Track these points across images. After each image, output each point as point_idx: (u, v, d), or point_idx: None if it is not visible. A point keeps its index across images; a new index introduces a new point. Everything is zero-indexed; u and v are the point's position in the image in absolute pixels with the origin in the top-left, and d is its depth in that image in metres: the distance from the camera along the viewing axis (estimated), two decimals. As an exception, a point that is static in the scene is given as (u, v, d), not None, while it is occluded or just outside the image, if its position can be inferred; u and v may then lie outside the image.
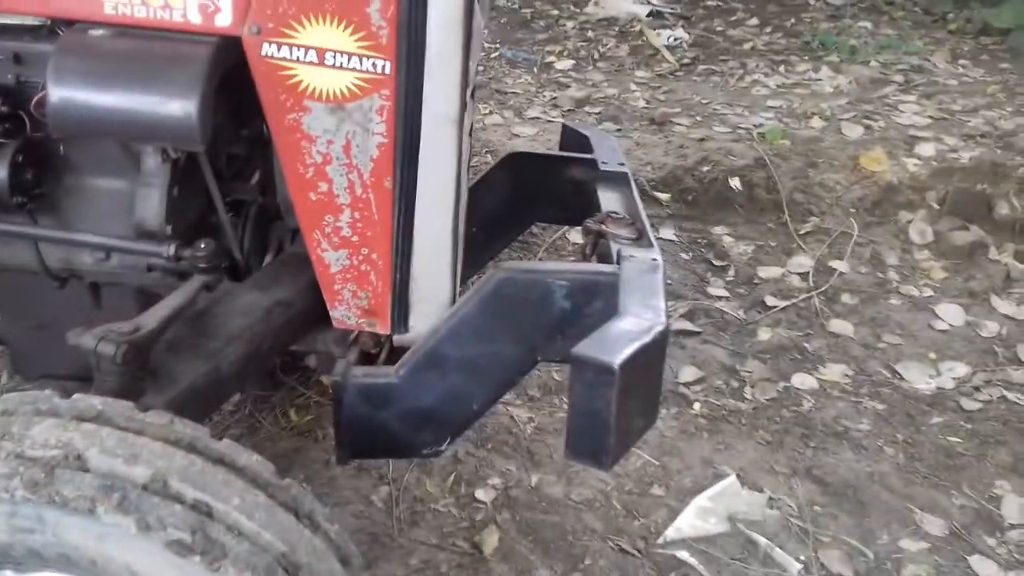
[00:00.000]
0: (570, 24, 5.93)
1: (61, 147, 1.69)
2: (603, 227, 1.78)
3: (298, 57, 1.45)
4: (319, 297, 1.65)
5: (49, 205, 1.71)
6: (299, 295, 1.69)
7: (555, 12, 6.16)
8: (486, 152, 3.74)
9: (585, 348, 1.29)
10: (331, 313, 1.64)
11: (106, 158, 1.68)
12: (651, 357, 1.33)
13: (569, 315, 1.53)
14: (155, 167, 1.64)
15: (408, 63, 1.44)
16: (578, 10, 6.21)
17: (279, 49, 1.44)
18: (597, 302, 1.52)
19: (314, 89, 1.47)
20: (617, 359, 1.26)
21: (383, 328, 1.64)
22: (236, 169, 1.85)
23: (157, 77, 1.44)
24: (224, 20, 1.44)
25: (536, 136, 4.05)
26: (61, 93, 1.43)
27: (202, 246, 1.57)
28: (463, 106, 1.51)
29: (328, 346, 1.77)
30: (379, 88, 1.46)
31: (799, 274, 3.29)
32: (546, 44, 5.57)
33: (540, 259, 3.14)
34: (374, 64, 1.44)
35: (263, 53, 1.45)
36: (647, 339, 1.30)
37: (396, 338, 1.65)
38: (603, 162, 2.14)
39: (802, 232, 3.52)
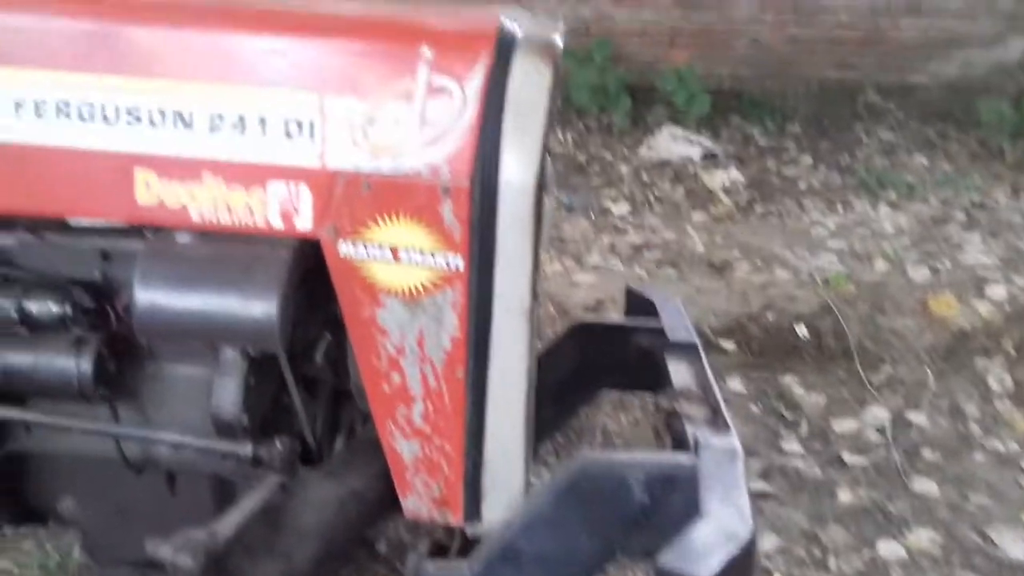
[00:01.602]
0: (624, 168, 6.06)
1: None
2: (676, 406, 1.75)
3: (374, 255, 1.49)
4: (391, 485, 1.63)
5: (129, 394, 1.75)
6: (372, 484, 1.68)
7: (609, 156, 6.31)
8: (548, 303, 3.76)
9: (671, 559, 1.25)
10: (403, 503, 1.62)
11: (185, 349, 1.72)
12: (740, 566, 1.28)
13: (648, 509, 1.49)
14: (232, 358, 1.67)
15: (480, 259, 1.47)
16: (632, 153, 6.35)
17: (355, 248, 1.49)
18: (676, 495, 1.47)
19: (389, 285, 1.50)
20: (705, 573, 1.21)
21: (455, 519, 1.61)
22: (310, 351, 1.88)
23: (239, 281, 1.49)
24: (304, 223, 1.50)
25: (596, 284, 4.07)
26: (147, 298, 1.49)
27: (279, 447, 1.58)
28: (533, 297, 1.52)
29: (400, 533, 1.74)
30: (452, 283, 1.48)
31: (875, 428, 3.18)
32: (601, 188, 5.68)
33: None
34: (447, 261, 1.47)
35: (340, 252, 1.49)
36: (735, 549, 1.26)
37: (469, 529, 1.62)
38: (671, 331, 2.13)
39: (875, 382, 3.42)
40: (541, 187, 1.47)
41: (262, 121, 1.46)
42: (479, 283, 1.48)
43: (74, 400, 1.70)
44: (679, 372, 1.95)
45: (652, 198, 5.46)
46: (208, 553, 1.32)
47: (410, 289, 1.50)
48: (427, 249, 1.47)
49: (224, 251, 1.51)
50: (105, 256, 1.71)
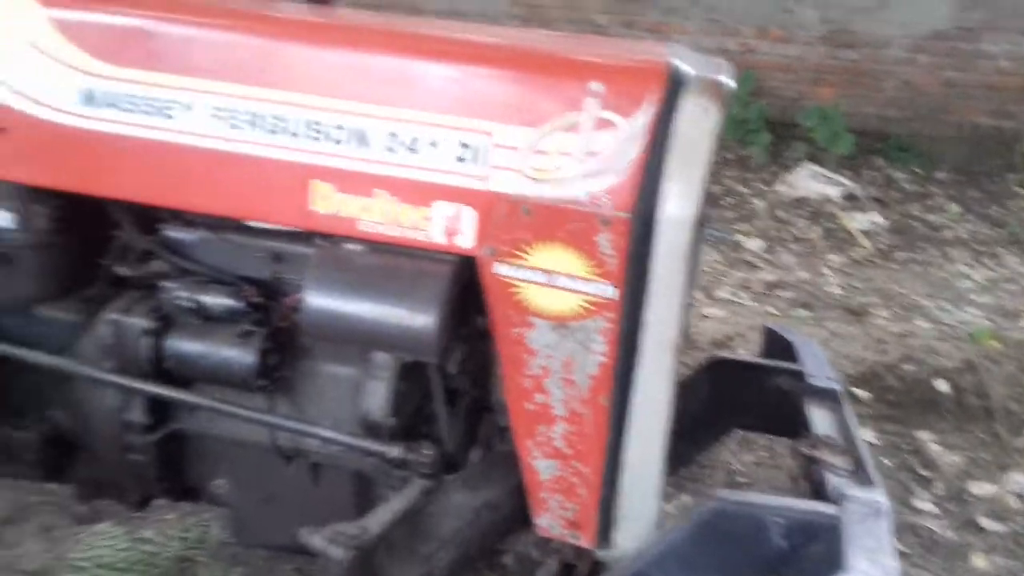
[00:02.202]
0: (760, 203, 5.97)
1: (302, 336, 1.85)
2: (816, 454, 1.72)
3: (528, 277, 1.54)
4: (525, 501, 1.67)
5: (285, 387, 1.86)
6: (506, 497, 1.73)
7: (745, 190, 6.22)
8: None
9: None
10: (535, 520, 1.66)
11: (339, 350, 1.82)
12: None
13: (785, 555, 1.48)
14: (383, 363, 1.76)
15: (632, 290, 1.50)
16: (768, 188, 6.24)
17: (511, 269, 1.54)
18: (816, 545, 1.46)
19: (540, 307, 1.55)
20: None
21: (587, 542, 1.63)
22: (456, 362, 1.95)
23: (403, 292, 1.56)
24: (465, 241, 1.56)
25: (726, 319, 4.03)
26: (317, 302, 1.59)
27: (426, 452, 1.64)
28: (682, 332, 1.54)
29: (528, 548, 1.78)
30: (603, 311, 1.52)
31: (1016, 494, 3.01)
32: (735, 223, 5.61)
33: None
34: (600, 289, 1.51)
35: (495, 271, 1.55)
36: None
37: (599, 553, 1.64)
38: (811, 375, 2.09)
39: (1018, 446, 3.24)
40: (699, 224, 1.49)
41: (434, 144, 1.54)
42: (630, 313, 1.51)
43: (236, 388, 1.82)
44: (820, 418, 1.93)
45: (787, 236, 5.35)
46: (358, 547, 1.39)
47: (561, 313, 1.54)
48: (581, 275, 1.51)
49: (390, 262, 1.60)
50: (276, 257, 1.83)
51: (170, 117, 1.63)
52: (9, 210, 1.80)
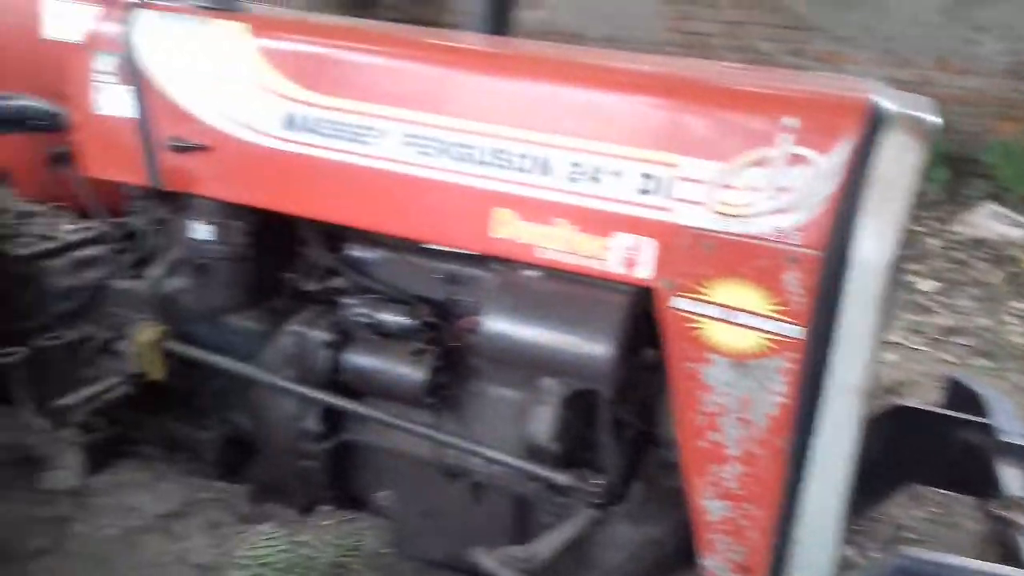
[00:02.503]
0: (935, 242, 5.64)
1: (471, 357, 1.88)
2: (1009, 515, 1.60)
3: (707, 312, 1.51)
4: (690, 540, 1.63)
5: (452, 406, 1.90)
6: (670, 535, 1.69)
7: (919, 228, 5.90)
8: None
9: None
10: (702, 561, 1.62)
11: (508, 373, 1.83)
12: None
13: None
14: (551, 388, 1.76)
15: (819, 331, 1.44)
16: (943, 227, 5.90)
17: (690, 303, 1.51)
18: (1011, 617, 1.34)
19: (718, 343, 1.51)
20: None
21: (755, 589, 1.57)
22: (624, 393, 1.93)
23: (580, 320, 1.57)
24: (643, 272, 1.55)
25: (898, 364, 3.82)
26: (495, 325, 1.61)
27: (595, 482, 1.63)
28: (871, 377, 1.46)
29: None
30: (785, 351, 1.47)
31: None
32: (907, 262, 5.31)
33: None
34: (784, 328, 1.46)
35: (673, 304, 1.53)
36: None
37: (767, 602, 1.58)
38: (1002, 430, 1.95)
39: None
40: (895, 267, 1.42)
41: (617, 174, 1.54)
42: (814, 354, 1.45)
43: (406, 404, 1.88)
44: (1012, 478, 1.79)
45: (965, 279, 5.03)
46: (527, 571, 1.39)
47: (740, 350, 1.50)
48: (764, 313, 1.46)
49: (567, 290, 1.61)
50: (451, 279, 1.87)
51: (364, 143, 1.70)
52: (210, 224, 1.93)
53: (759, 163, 1.46)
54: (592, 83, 1.61)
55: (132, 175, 1.93)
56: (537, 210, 1.60)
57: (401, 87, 1.69)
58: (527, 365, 1.66)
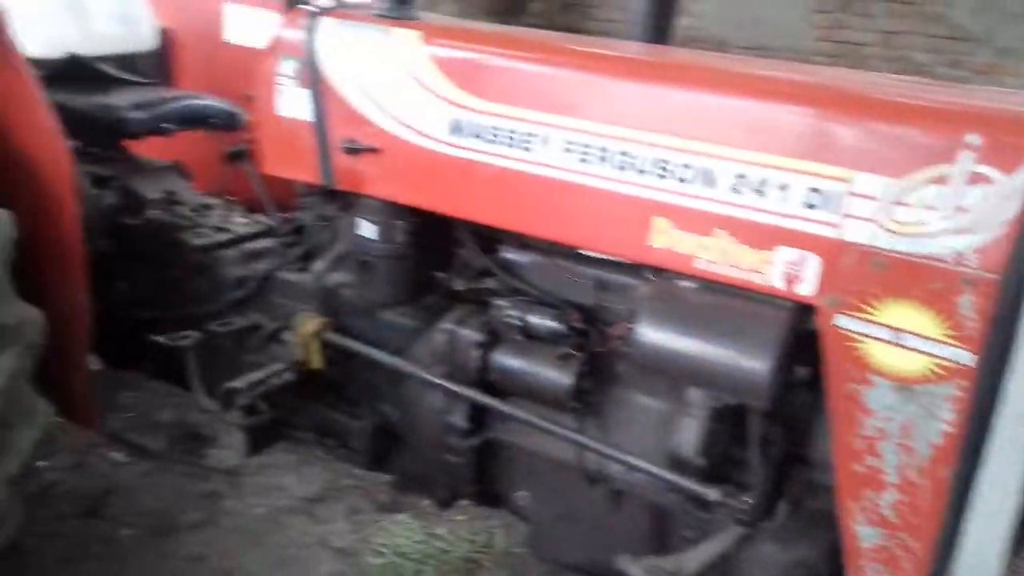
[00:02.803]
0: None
1: (617, 364, 1.90)
2: None
3: (872, 333, 1.47)
4: (839, 564, 1.59)
5: (595, 411, 1.92)
6: (818, 558, 1.65)
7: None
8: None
9: None
10: (851, 588, 1.58)
11: (654, 382, 1.84)
12: None
13: None
14: (699, 401, 1.75)
15: (993, 358, 1.38)
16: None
17: (854, 322, 1.48)
18: None
19: (882, 365, 1.47)
20: None
21: (909, 621, 1.52)
22: (776, 410, 1.91)
23: (738, 334, 1.56)
24: (806, 289, 1.52)
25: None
26: (650, 334, 1.62)
27: (745, 499, 1.62)
28: (1049, 410, 1.39)
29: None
30: (954, 377, 1.41)
31: None
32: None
33: None
34: (955, 353, 1.41)
35: (836, 323, 1.50)
36: None
37: (921, 636, 1.52)
38: None
39: None
40: (1082, 294, 1.34)
41: (784, 187, 1.52)
42: (986, 382, 1.39)
43: (550, 407, 1.91)
44: None
45: None
46: (675, 584, 1.40)
47: (906, 374, 1.45)
48: (934, 337, 1.42)
49: (725, 303, 1.60)
50: (602, 286, 1.89)
51: (526, 149, 1.75)
52: (375, 224, 2.03)
53: (937, 181, 1.41)
54: (760, 94, 1.60)
55: (306, 174, 2.04)
56: (697, 221, 1.60)
57: (564, 95, 1.73)
58: (680, 375, 1.67)
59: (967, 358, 1.40)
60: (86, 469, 3.07)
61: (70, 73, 2.63)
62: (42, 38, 2.62)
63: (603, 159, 1.68)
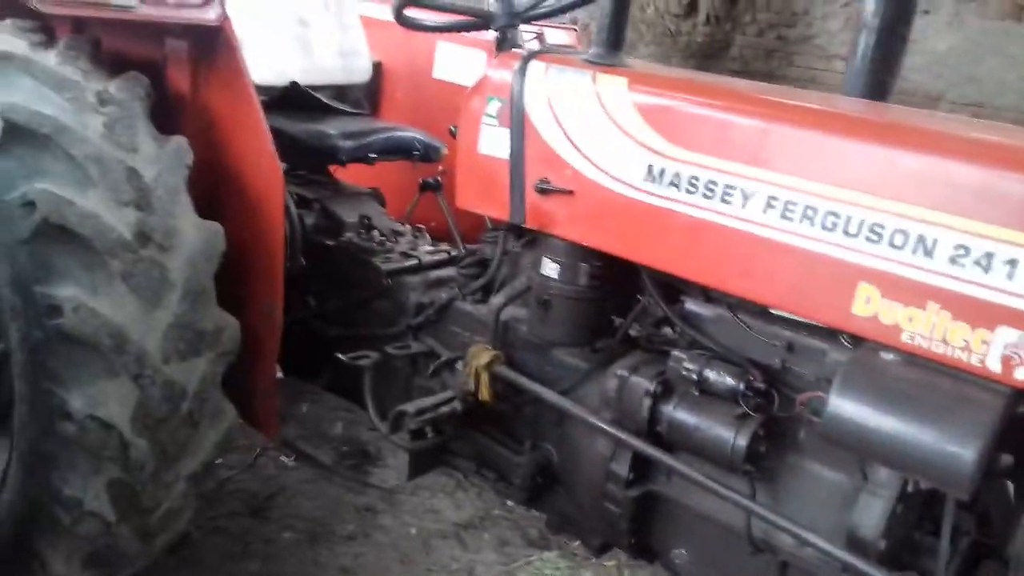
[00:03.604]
0: None
1: (801, 432, 1.81)
2: None
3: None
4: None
5: (768, 477, 1.84)
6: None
7: None
8: None
9: None
10: None
11: (835, 454, 1.74)
12: None
13: None
14: (887, 481, 1.64)
15: None
16: None
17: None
18: None
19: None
20: None
21: None
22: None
23: (944, 416, 1.45)
24: (1025, 375, 1.41)
25: None
26: (843, 406, 1.54)
27: None
28: None
29: None
30: None
31: None
32: None
33: None
34: None
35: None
36: None
37: None
38: None
39: None
40: None
41: (1012, 263, 1.42)
42: None
43: (720, 466, 1.84)
44: None
45: None
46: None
47: None
48: None
49: (931, 380, 1.50)
50: (789, 347, 1.82)
51: (725, 201, 1.72)
52: (558, 264, 2.04)
53: None
54: (987, 160, 1.50)
55: (499, 211, 2.09)
56: (908, 290, 1.51)
57: (769, 149, 1.69)
58: (872, 453, 1.57)
59: None
60: (258, 471, 3.23)
61: (289, 100, 2.83)
62: (267, 66, 2.83)
63: (808, 218, 1.62)
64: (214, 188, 2.21)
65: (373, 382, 2.31)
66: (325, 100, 2.92)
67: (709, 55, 7.24)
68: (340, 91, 3.12)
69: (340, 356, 2.31)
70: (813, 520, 1.74)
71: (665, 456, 1.91)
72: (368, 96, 3.27)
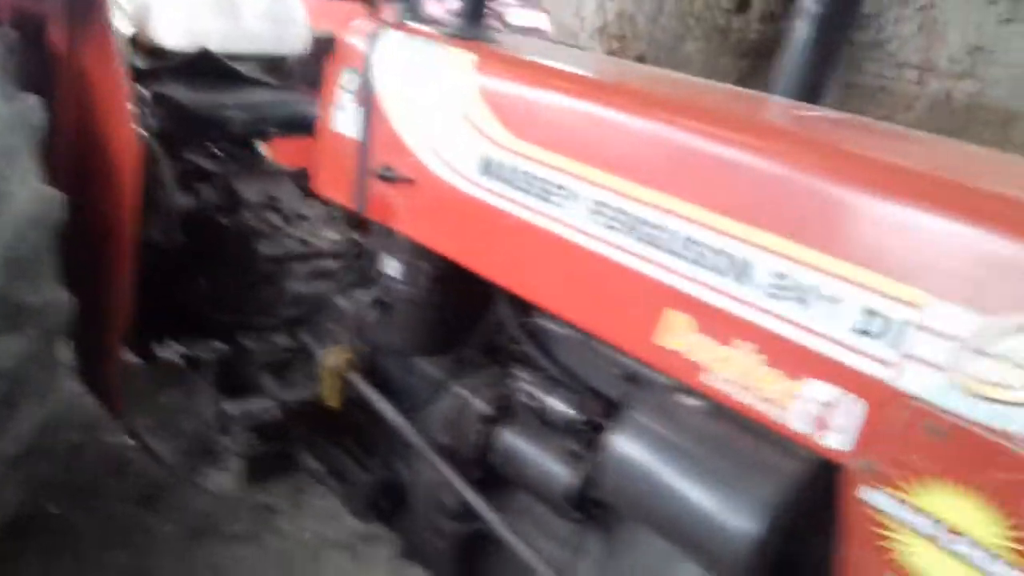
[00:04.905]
0: None
1: None
2: None
3: (909, 521, 1.06)
4: None
5: (601, 527, 1.58)
6: None
7: None
8: None
9: None
10: None
11: None
12: None
13: None
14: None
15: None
16: None
17: (888, 501, 1.07)
18: None
19: (914, 569, 1.05)
20: None
21: None
22: None
23: (726, 484, 1.18)
24: (836, 443, 1.13)
25: None
26: (617, 457, 1.28)
27: None
28: None
29: None
30: (1018, 618, 0.97)
31: None
32: None
33: None
34: (1020, 582, 0.97)
35: (864, 497, 1.09)
36: None
37: None
38: None
39: None
40: None
41: (833, 301, 1.14)
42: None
43: (552, 509, 1.60)
44: None
45: None
46: None
47: (946, 591, 1.02)
48: (992, 549, 0.98)
49: (731, 437, 1.23)
50: (630, 378, 1.56)
51: (553, 203, 1.46)
52: (400, 262, 1.81)
53: (1041, 328, 0.99)
54: (824, 171, 1.20)
55: (344, 197, 1.87)
56: (720, 324, 1.24)
57: (602, 144, 1.42)
58: (647, 520, 1.30)
59: (1038, 599, 0.96)
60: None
61: (198, 67, 2.65)
62: (183, 30, 2.66)
63: (629, 228, 1.36)
64: (84, 155, 2.06)
65: (215, 378, 2.11)
66: (240, 70, 2.73)
67: (763, 55, 6.72)
68: (275, 64, 2.92)
69: (176, 346, 2.12)
70: None
71: (471, 494, 1.67)
72: (313, 71, 3.07)
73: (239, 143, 2.80)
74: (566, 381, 1.65)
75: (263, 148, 2.85)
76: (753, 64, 6.54)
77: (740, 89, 1.89)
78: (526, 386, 1.67)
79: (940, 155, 1.44)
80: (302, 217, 2.60)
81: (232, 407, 1.92)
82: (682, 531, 1.22)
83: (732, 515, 1.15)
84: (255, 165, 2.77)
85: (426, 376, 1.93)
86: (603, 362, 1.61)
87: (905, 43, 6.12)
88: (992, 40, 5.82)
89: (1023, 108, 5.79)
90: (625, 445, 1.28)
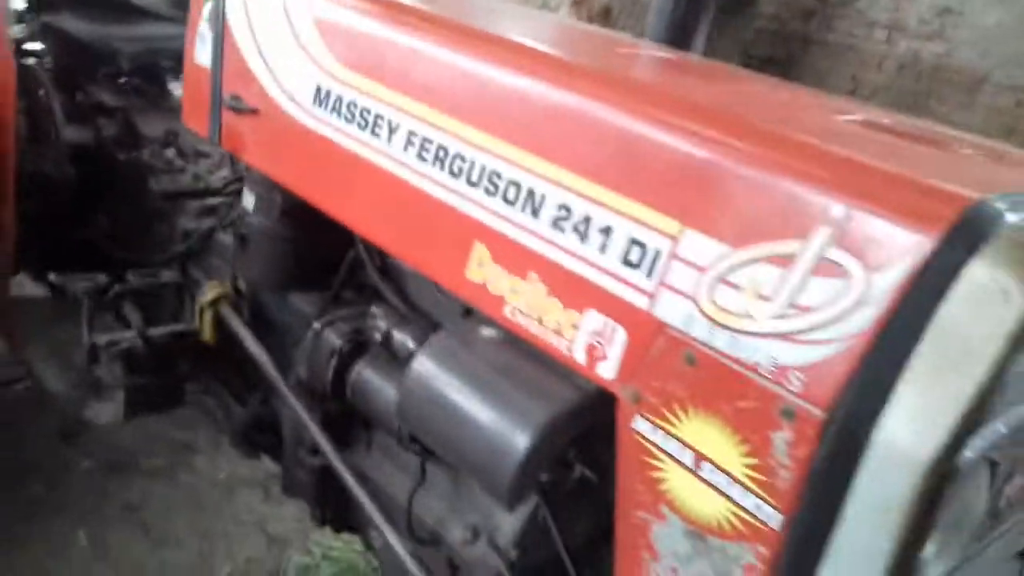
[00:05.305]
0: None
1: None
2: None
3: (671, 450, 1.06)
4: None
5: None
6: None
7: None
8: None
9: None
10: None
11: None
12: None
13: None
14: None
15: (806, 528, 0.95)
16: None
17: (654, 431, 1.08)
18: None
19: (678, 498, 1.06)
20: None
21: None
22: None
23: (502, 408, 1.19)
24: (606, 371, 1.13)
25: None
26: (414, 383, 1.28)
27: None
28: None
29: None
30: (754, 539, 0.99)
31: None
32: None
33: None
34: (757, 506, 0.98)
35: (635, 427, 1.10)
36: None
37: None
38: None
39: None
40: (947, 470, 0.88)
41: (606, 232, 1.13)
42: (795, 560, 0.96)
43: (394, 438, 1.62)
44: None
45: None
46: None
47: (699, 518, 1.04)
48: (735, 475, 1.00)
49: (516, 366, 1.23)
50: (467, 311, 1.56)
51: (373, 134, 1.45)
52: (253, 194, 1.80)
53: (779, 260, 0.98)
54: (608, 100, 1.18)
55: (203, 129, 1.85)
56: (515, 257, 1.24)
57: (417, 74, 1.40)
58: (433, 441, 1.32)
59: (773, 517, 0.97)
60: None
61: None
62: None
63: (440, 160, 1.34)
64: None
65: (94, 311, 2.12)
66: (139, 3, 2.68)
67: (737, 12, 6.66)
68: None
69: (51, 278, 2.12)
70: (485, 517, 1.50)
71: (314, 428, 1.69)
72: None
73: (146, 78, 2.76)
74: (414, 317, 1.65)
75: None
76: (727, 22, 6.46)
77: (599, 31, 1.85)
78: (378, 320, 1.67)
79: (746, 94, 1.41)
80: (201, 154, 2.58)
81: (99, 338, 1.92)
82: (460, 453, 1.24)
83: (500, 436, 1.16)
84: (161, 101, 2.74)
85: (297, 312, 1.93)
86: (445, 297, 1.61)
87: (875, 1, 6.03)
88: (960, 2, 5.72)
89: (990, 71, 5.69)
90: (418, 375, 1.29)
